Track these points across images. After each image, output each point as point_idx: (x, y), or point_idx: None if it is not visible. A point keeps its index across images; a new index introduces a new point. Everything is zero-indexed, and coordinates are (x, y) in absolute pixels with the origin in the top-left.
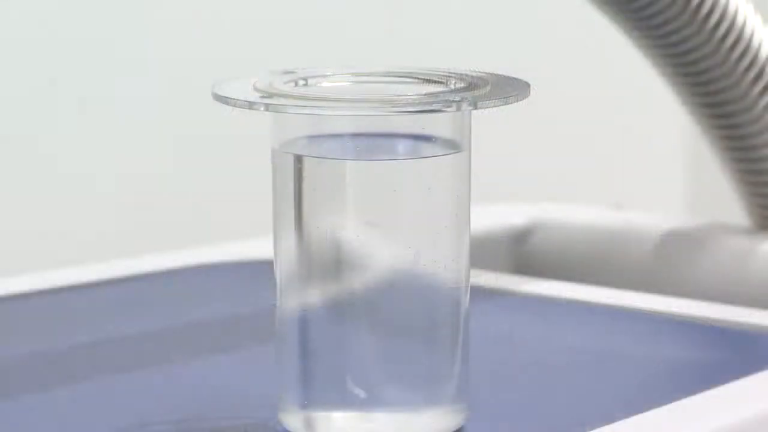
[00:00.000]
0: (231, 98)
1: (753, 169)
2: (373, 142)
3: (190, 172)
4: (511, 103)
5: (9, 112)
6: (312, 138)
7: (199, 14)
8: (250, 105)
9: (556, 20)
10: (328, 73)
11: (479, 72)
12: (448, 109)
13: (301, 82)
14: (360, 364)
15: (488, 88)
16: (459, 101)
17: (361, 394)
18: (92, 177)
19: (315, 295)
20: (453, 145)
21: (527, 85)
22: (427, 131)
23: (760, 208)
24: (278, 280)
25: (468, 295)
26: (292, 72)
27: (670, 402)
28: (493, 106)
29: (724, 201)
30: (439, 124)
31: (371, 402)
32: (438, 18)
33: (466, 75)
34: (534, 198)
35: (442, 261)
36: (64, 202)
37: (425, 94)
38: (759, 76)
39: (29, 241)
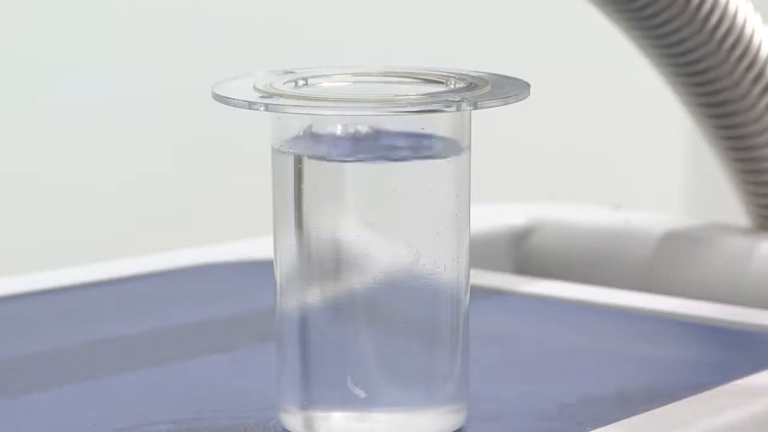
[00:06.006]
0: (231, 98)
1: (753, 169)
2: (373, 143)
3: (190, 172)
4: (511, 103)
5: (8, 112)
6: (312, 138)
7: (199, 14)
8: (250, 105)
9: (557, 20)
10: (328, 73)
11: (479, 72)
12: (448, 109)
13: (301, 82)
14: (360, 364)
15: (488, 88)
16: (459, 101)
17: (361, 394)
18: (92, 177)
19: (315, 295)
20: (453, 146)
21: (527, 85)
22: (427, 131)
23: (760, 208)
24: (278, 280)
25: (468, 295)
26: (292, 72)
27: (670, 402)
28: (493, 106)
29: (724, 201)
30: (439, 124)
31: (371, 402)
32: (439, 18)
33: (466, 75)
34: (534, 198)
35: (442, 261)
36: (64, 201)
37: (425, 94)
38: (759, 76)
39: (30, 241)
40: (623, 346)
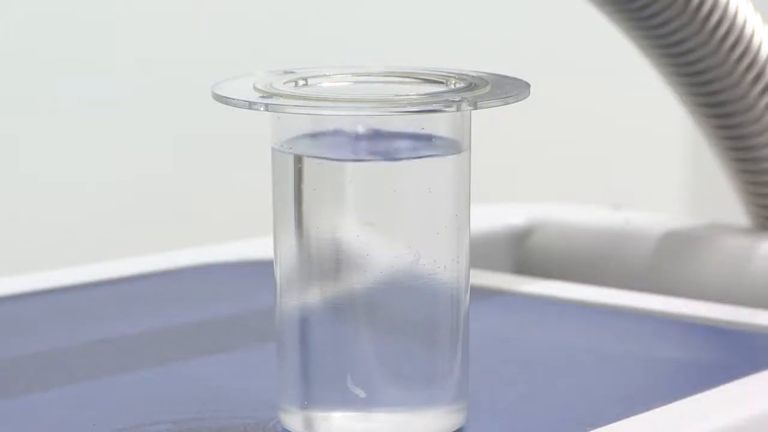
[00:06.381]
0: (231, 98)
1: (753, 169)
2: (372, 142)
3: (190, 172)
4: (511, 103)
5: (9, 112)
6: (312, 138)
7: (199, 14)
8: (250, 105)
9: (557, 20)
10: (328, 73)
11: (479, 72)
12: (448, 109)
13: (301, 82)
14: (360, 364)
15: (488, 88)
16: (459, 101)
17: (361, 394)
18: (92, 177)
19: (315, 295)
20: (453, 145)
21: (527, 85)
22: (427, 131)
23: (760, 208)
24: (278, 280)
25: (468, 295)
26: (292, 72)
27: (670, 402)
28: (493, 106)
29: (724, 201)
30: (439, 124)
31: (371, 402)
32: (439, 18)
33: (466, 75)
34: (534, 198)
35: (442, 261)
36: (65, 201)
37: (425, 94)
38: (759, 76)
39: (30, 241)
40: (623, 346)
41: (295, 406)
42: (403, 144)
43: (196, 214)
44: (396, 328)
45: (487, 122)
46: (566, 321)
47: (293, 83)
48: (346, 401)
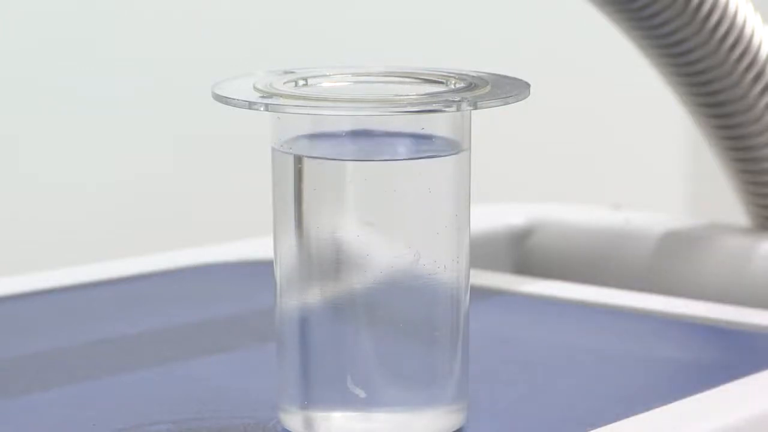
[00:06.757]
0: (231, 98)
1: (753, 169)
2: (373, 143)
3: (190, 172)
4: (511, 103)
5: (9, 112)
6: (312, 138)
7: (199, 14)
8: (250, 105)
9: (557, 20)
10: (328, 73)
11: (479, 72)
12: (448, 109)
13: (301, 82)
14: (360, 364)
15: (488, 88)
16: (459, 101)
17: (361, 394)
18: (92, 177)
19: (315, 295)
20: (453, 145)
21: (527, 86)
22: (427, 131)
23: (760, 208)
24: (278, 280)
25: (468, 295)
26: (292, 72)
27: (670, 402)
28: (493, 106)
29: (724, 201)
30: (439, 124)
31: (371, 402)
32: (439, 18)
33: (466, 75)
34: (534, 198)
35: (442, 261)
36: (64, 201)
37: (425, 94)
38: (759, 76)
39: (30, 241)
40: (623, 346)
41: (295, 406)
42: (403, 144)
43: (196, 214)
44: (396, 328)
45: (487, 122)
46: (566, 321)
47: (293, 83)
48: (346, 401)
